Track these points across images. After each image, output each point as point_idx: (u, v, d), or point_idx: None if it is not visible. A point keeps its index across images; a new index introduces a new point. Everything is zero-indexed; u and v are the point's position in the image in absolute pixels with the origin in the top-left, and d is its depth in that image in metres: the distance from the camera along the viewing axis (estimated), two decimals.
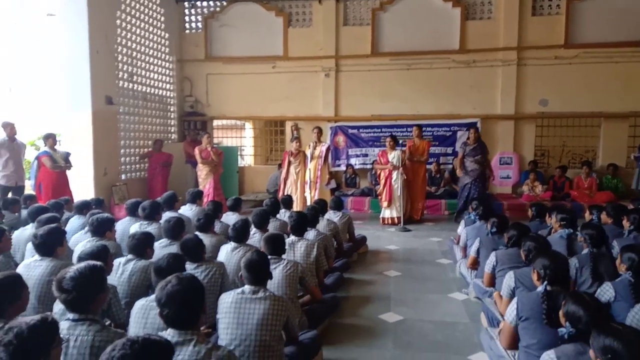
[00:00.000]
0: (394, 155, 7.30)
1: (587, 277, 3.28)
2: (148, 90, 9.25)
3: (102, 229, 3.71)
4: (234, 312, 2.40)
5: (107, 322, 2.54)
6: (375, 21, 9.60)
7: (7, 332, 1.47)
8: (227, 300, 2.46)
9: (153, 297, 2.38)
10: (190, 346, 1.76)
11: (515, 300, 2.52)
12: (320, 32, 9.75)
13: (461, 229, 5.11)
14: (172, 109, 10.13)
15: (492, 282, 3.54)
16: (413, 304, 3.89)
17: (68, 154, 6.98)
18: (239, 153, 10.63)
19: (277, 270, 3.06)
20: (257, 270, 2.49)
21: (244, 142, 12.39)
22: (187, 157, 9.27)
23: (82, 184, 7.31)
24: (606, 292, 2.84)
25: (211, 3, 10.32)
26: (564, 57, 8.98)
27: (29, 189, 7.30)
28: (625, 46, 8.72)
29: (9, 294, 2.14)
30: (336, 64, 9.75)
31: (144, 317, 2.36)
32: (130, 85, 8.63)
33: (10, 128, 6.84)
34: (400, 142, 8.02)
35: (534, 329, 2.37)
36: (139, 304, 2.45)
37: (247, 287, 2.49)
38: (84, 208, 5.05)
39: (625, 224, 4.07)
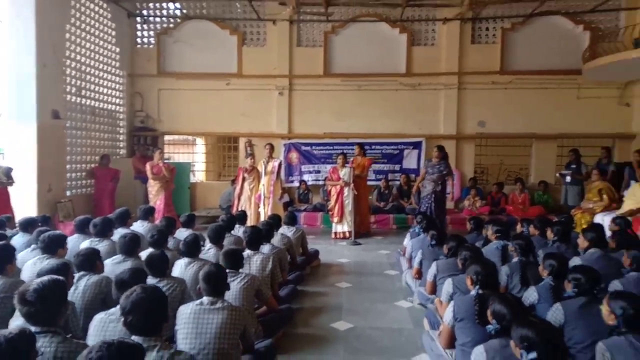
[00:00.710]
0: (345, 172, 7.59)
1: (517, 283, 3.64)
2: (97, 105, 9.06)
3: (53, 246, 3.67)
4: (192, 323, 2.50)
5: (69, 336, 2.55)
6: (327, 43, 10.00)
7: None
8: (185, 312, 2.56)
9: (112, 310, 2.47)
10: (154, 352, 1.87)
11: (452, 303, 2.81)
12: (275, 51, 10.00)
13: (407, 242, 5.44)
14: (121, 124, 9.94)
15: (434, 289, 3.83)
16: (363, 313, 4.12)
17: (10, 170, 6.70)
18: (190, 169, 10.55)
19: (235, 283, 3.18)
20: (215, 282, 2.62)
21: (195, 158, 12.32)
22: (136, 173, 9.12)
23: (25, 201, 7.02)
24: (530, 295, 3.20)
25: (164, 19, 10.33)
26: (500, 82, 9.76)
27: None
28: (553, 74, 9.60)
29: None
30: (290, 83, 10.02)
31: (102, 330, 2.41)
32: (79, 99, 8.44)
33: None
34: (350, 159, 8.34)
35: (468, 329, 2.66)
36: (98, 317, 2.50)
37: (205, 299, 2.61)
38: (29, 225, 4.91)
39: (550, 235, 4.53)
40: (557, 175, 9.09)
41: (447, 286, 3.30)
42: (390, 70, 9.92)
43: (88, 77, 8.72)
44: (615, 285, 3.29)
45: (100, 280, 3.10)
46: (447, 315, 2.80)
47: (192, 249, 3.68)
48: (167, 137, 10.81)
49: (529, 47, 9.69)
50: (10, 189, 6.66)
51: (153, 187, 7.89)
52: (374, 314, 4.10)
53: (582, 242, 4.04)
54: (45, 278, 2.08)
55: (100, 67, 9.13)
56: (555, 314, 2.75)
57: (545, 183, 9.60)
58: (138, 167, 9.02)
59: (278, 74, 10.00)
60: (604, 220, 6.30)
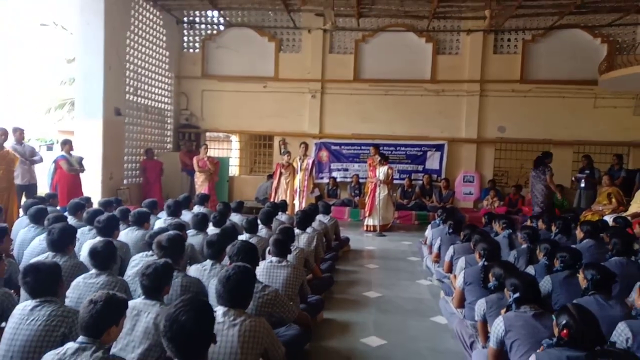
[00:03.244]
0: (381, 171, 8.32)
1: (522, 264, 4.36)
2: (149, 103, 10.07)
3: (142, 220, 4.58)
4: (265, 275, 3.34)
5: None
6: (357, 51, 10.78)
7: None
8: (260, 267, 3.40)
9: (204, 263, 3.34)
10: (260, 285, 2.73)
11: (463, 272, 3.58)
12: (309, 57, 10.84)
13: (428, 232, 6.20)
14: (169, 121, 10.96)
15: (450, 268, 4.59)
16: (389, 287, 4.91)
17: (81, 159, 7.70)
18: (229, 164, 11.48)
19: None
20: (282, 246, 3.46)
21: (229, 154, 13.26)
22: (183, 166, 10.08)
23: (91, 187, 8.03)
24: (529, 272, 3.93)
25: (209, 26, 11.29)
26: (520, 90, 10.36)
27: (42, 189, 7.95)
28: (570, 84, 10.16)
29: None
30: (322, 87, 10.84)
31: (201, 275, 3.25)
32: (135, 98, 9.44)
33: (19, 133, 7.50)
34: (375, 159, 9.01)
35: (474, 291, 3.42)
36: (194, 268, 3.36)
37: (274, 258, 3.45)
38: (108, 206, 5.87)
39: (553, 228, 5.23)
40: (573, 178, 9.66)
41: (460, 262, 4.06)
42: (416, 76, 10.63)
43: (143, 78, 9.73)
44: None
45: (187, 245, 3.97)
46: (459, 281, 3.57)
47: (252, 226, 4.53)
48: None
49: (548, 57, 10.27)
50: (81, 175, 7.67)
51: (199, 178, 8.82)
52: (399, 287, 4.89)
53: (579, 233, 4.73)
54: (171, 232, 2.95)
55: (153, 69, 10.13)
56: (545, 284, 3.48)
57: (561, 186, 10.14)
58: (184, 161, 9.98)
59: (311, 79, 10.83)
60: (610, 221, 6.91)
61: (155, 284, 2.45)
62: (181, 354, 1.62)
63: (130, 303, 2.50)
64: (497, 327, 2.57)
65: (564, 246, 3.79)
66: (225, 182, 10.70)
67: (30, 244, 4.19)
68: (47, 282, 2.38)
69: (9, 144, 6.89)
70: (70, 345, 1.96)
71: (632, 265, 3.87)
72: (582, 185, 9.29)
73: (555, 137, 10.36)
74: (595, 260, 4.23)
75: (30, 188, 7.45)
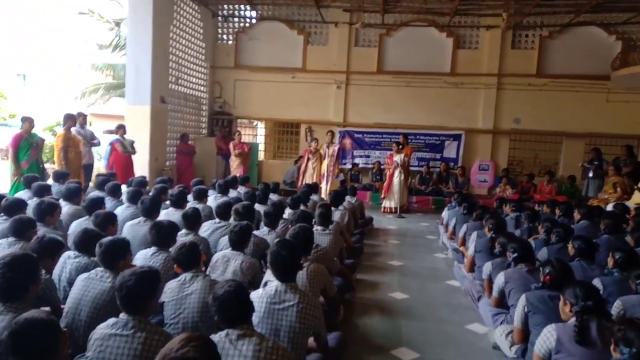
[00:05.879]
0: (398, 157, 9.05)
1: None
2: (188, 92, 10.91)
3: (202, 195, 5.43)
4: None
5: None
6: (381, 44, 11.41)
7: None
8: None
9: (263, 229, 4.15)
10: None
11: (474, 242, 4.34)
12: (335, 50, 11.51)
13: (445, 213, 6.95)
14: (204, 108, 11.80)
15: (463, 242, 5.35)
16: (409, 258, 5.71)
17: (133, 142, 8.60)
18: (258, 149, 12.31)
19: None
20: (326, 217, 4.26)
21: (253, 140, 14.09)
22: (218, 150, 10.93)
23: (140, 167, 8.92)
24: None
25: (242, 19, 12.02)
26: (536, 84, 10.90)
27: (98, 169, 8.89)
28: (584, 79, 10.65)
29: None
30: (347, 78, 11.52)
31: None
32: (176, 87, 10.28)
33: (82, 118, 8.42)
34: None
35: (483, 258, 4.18)
36: (254, 233, 4.18)
37: (319, 227, 4.26)
38: (165, 183, 6.75)
39: (557, 212, 5.93)
40: (580, 165, 10.25)
41: (473, 236, 4.82)
42: (436, 69, 11.22)
43: (183, 68, 10.55)
44: None
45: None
46: (470, 250, 4.34)
47: (296, 203, 5.34)
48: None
49: (563, 53, 10.76)
50: (133, 157, 8.56)
51: (234, 162, 9.68)
52: (418, 259, 5.68)
53: (576, 215, 5.44)
54: (245, 202, 3.78)
55: (191, 60, 10.94)
56: (542, 253, 4.23)
57: (572, 177, 10.73)
58: (220, 145, 10.83)
59: (337, 70, 11.51)
60: (611, 207, 7.54)
61: (240, 238, 3.28)
62: (283, 275, 2.43)
63: (221, 253, 3.36)
64: (499, 279, 3.34)
65: (560, 223, 4.51)
66: (255, 165, 11.54)
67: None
68: (167, 235, 3.24)
69: (74, 128, 7.81)
70: (187, 274, 2.79)
71: (619, 241, 4.58)
72: (590, 175, 9.88)
73: (568, 129, 10.91)
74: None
75: (88, 167, 8.41)
